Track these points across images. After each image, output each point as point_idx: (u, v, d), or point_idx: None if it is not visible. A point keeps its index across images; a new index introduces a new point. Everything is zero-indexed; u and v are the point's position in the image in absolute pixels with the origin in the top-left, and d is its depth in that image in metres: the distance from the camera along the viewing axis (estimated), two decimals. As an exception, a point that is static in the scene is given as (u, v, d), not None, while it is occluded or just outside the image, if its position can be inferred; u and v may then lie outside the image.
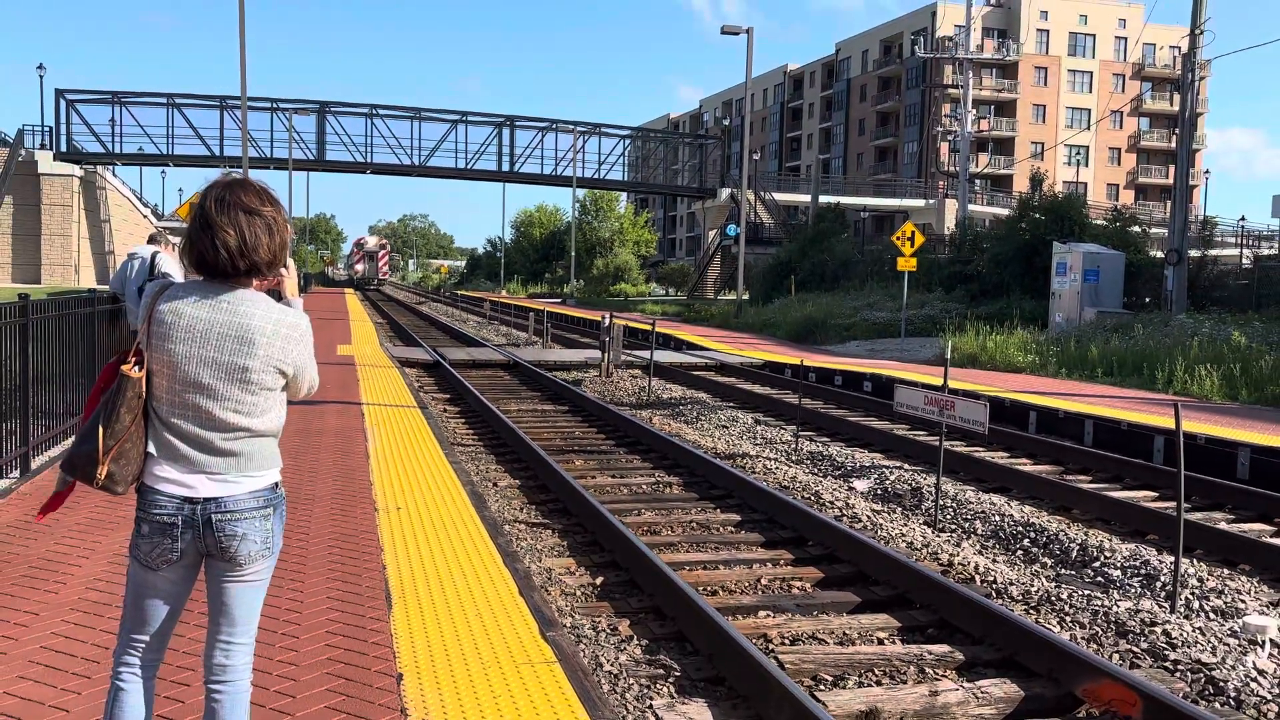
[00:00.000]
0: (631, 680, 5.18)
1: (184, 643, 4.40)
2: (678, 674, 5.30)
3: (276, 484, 2.92)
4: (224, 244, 2.74)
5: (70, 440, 9.32)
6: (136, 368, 2.78)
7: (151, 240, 11.42)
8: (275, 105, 59.86)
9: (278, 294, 2.96)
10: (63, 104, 57.91)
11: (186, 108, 59.77)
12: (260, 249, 2.78)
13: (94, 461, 2.75)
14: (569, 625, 5.87)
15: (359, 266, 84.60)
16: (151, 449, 2.81)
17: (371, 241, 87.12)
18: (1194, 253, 27.66)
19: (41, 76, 59.31)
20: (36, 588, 5.25)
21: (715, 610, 5.77)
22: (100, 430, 2.74)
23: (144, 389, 2.79)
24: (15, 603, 5.01)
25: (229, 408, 2.79)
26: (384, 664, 4.34)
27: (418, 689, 4.09)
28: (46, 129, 58.68)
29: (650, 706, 4.84)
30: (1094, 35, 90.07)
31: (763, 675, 4.85)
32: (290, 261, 3.02)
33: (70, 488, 2.91)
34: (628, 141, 70.17)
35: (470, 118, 64.18)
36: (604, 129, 66.95)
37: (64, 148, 57.78)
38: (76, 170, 57.99)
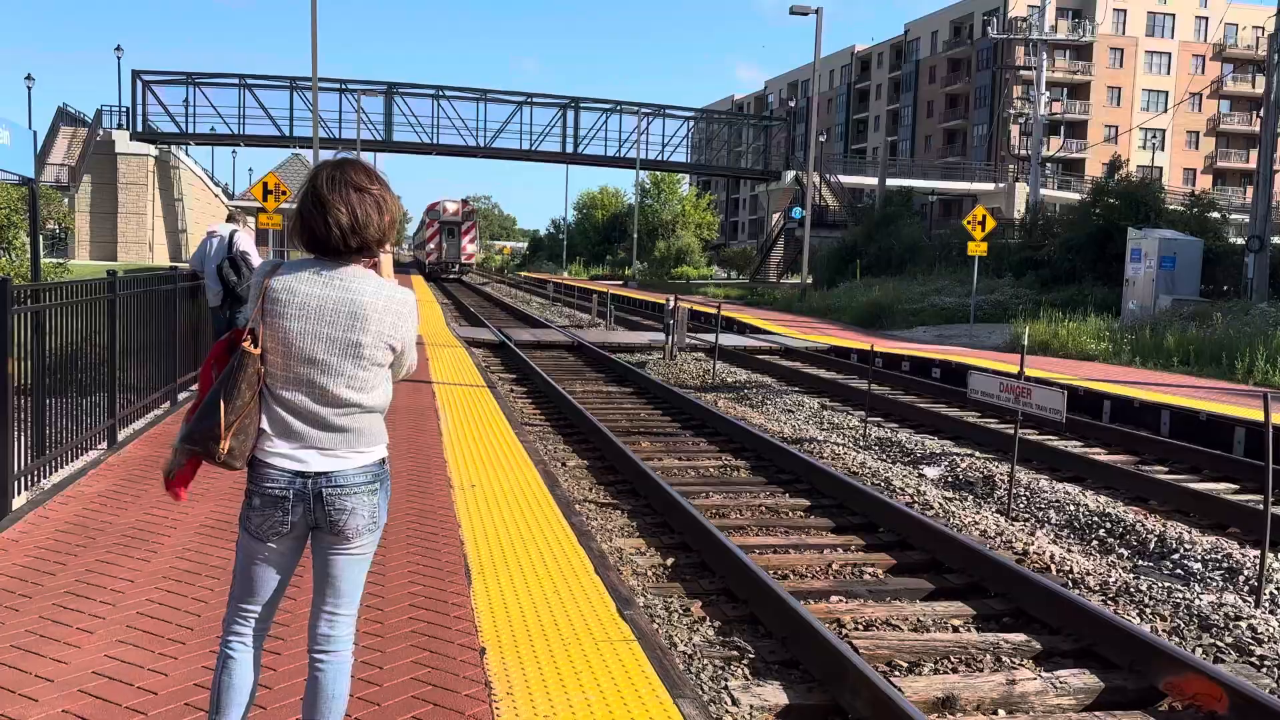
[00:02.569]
0: (706, 661, 5.21)
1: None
2: (751, 656, 5.32)
3: (383, 460, 2.98)
4: (336, 222, 2.80)
5: (153, 414, 9.59)
6: (251, 345, 2.84)
7: (230, 219, 11.67)
8: (344, 86, 60.55)
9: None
10: (139, 85, 59.12)
11: (257, 88, 60.68)
12: (371, 226, 2.84)
13: (215, 437, 2.80)
14: (641, 605, 5.90)
15: (433, 245, 60.50)
16: (264, 425, 2.87)
17: (451, 207, 61.21)
18: (1276, 239, 26.86)
19: (119, 58, 60.36)
20: (130, 556, 5.41)
21: (789, 593, 5.77)
22: (222, 406, 2.80)
23: (260, 365, 2.84)
24: (110, 569, 5.18)
25: (343, 383, 2.85)
26: (466, 637, 4.42)
27: (500, 662, 4.16)
28: (123, 109, 59.98)
29: (726, 687, 4.86)
30: (1173, 15, 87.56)
31: (839, 659, 4.85)
32: (387, 245, 3.07)
33: (193, 462, 2.95)
34: (691, 123, 69.85)
35: (535, 99, 64.34)
36: (668, 110, 66.72)
37: (140, 127, 59.03)
38: (152, 150, 59.24)
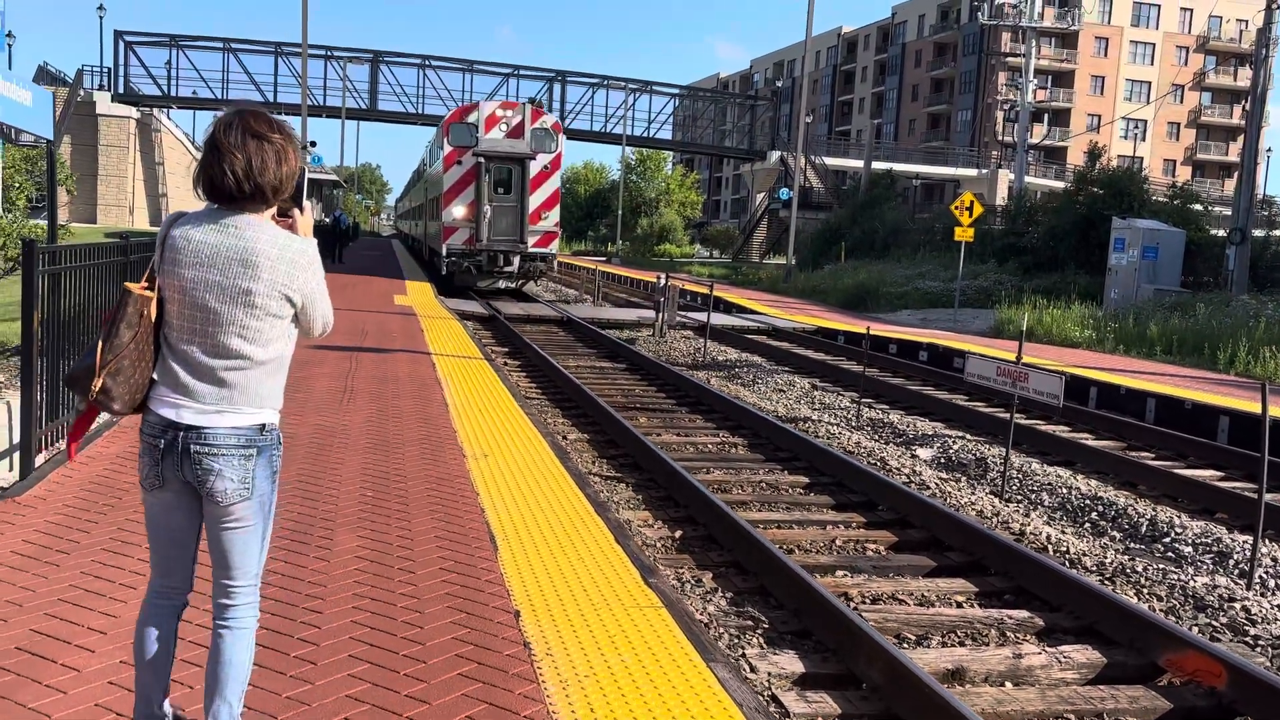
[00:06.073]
0: (722, 630, 5.36)
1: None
2: (765, 626, 5.48)
3: (265, 426, 2.92)
4: (231, 168, 2.79)
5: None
6: (148, 289, 2.85)
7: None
8: (329, 53, 59.98)
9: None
10: (121, 46, 58.35)
11: (242, 53, 60.03)
12: (267, 173, 2.82)
13: (91, 374, 2.83)
14: (654, 575, 6.05)
15: (460, 211, 24.94)
16: (156, 375, 2.89)
17: (508, 118, 25.06)
18: (1256, 232, 27.24)
19: (101, 18, 59.57)
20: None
21: (799, 567, 5.93)
22: (100, 345, 2.83)
23: (148, 309, 2.85)
24: (142, 528, 5.25)
25: (234, 332, 2.83)
26: (500, 600, 4.54)
27: (535, 624, 4.29)
28: (105, 70, 59.19)
29: (743, 655, 5.01)
30: (1159, 6, 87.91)
31: (851, 630, 5.01)
32: (306, 204, 3.07)
33: (89, 412, 2.99)
34: (677, 101, 69.65)
35: (522, 72, 63.94)
36: (654, 86, 66.51)
37: (121, 89, 58.31)
38: (133, 112, 58.54)
